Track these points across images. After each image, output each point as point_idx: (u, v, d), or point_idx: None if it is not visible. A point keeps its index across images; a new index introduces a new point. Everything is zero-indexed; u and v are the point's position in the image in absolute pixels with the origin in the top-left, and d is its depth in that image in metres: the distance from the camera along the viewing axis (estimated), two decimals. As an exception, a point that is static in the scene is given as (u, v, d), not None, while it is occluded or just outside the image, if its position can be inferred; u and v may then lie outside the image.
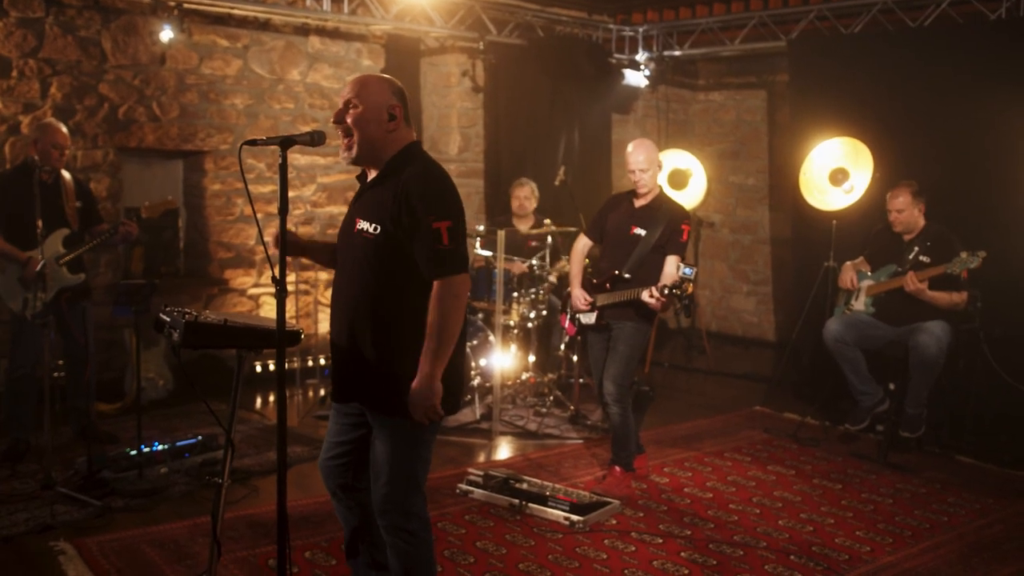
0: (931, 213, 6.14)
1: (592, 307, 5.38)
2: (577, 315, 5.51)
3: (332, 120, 3.19)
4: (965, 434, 6.41)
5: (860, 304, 6.26)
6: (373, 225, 3.11)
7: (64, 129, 5.56)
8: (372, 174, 3.24)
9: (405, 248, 3.07)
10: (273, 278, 2.89)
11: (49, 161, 5.42)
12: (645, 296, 5.03)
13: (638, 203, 5.38)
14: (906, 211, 6.07)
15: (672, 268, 5.19)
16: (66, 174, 5.69)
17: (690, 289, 4.89)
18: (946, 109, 6.88)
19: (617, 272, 5.27)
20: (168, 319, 3.14)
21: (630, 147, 5.34)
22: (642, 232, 5.27)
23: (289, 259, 3.09)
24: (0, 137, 6.43)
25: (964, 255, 5.71)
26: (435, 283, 3.05)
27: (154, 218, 5.79)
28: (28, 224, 5.04)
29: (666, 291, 4.93)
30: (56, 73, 6.62)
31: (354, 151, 3.15)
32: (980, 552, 4.66)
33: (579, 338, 5.80)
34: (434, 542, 3.36)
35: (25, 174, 5.35)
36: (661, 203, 5.34)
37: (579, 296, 5.43)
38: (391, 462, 3.17)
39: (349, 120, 3.13)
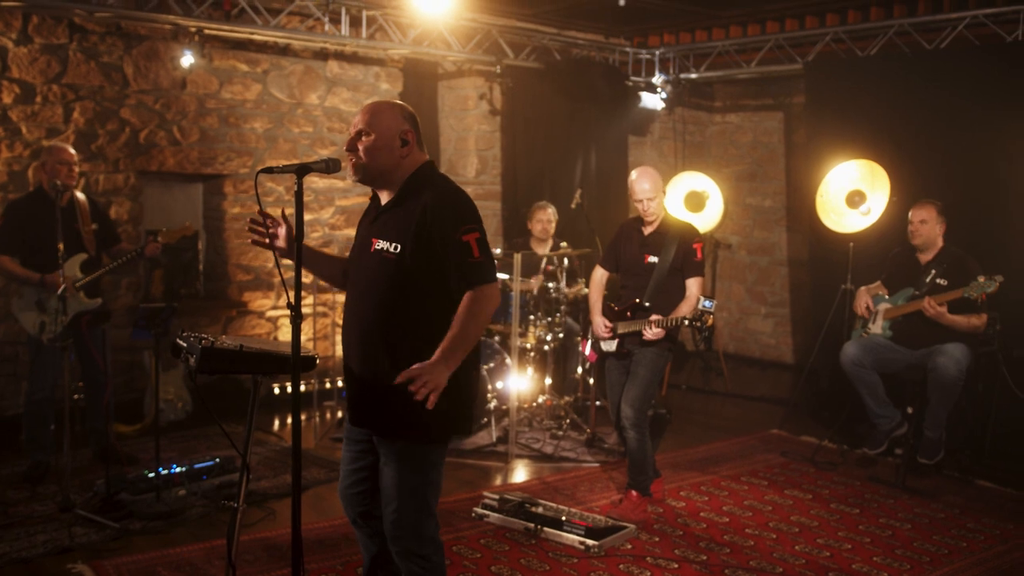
0: (948, 235, 6.12)
1: (613, 334, 5.39)
2: (599, 342, 5.52)
3: (345, 148, 3.23)
4: (984, 458, 6.37)
5: (877, 327, 6.23)
6: (394, 245, 3.13)
7: (70, 148, 5.63)
8: (385, 196, 3.27)
9: (426, 268, 3.11)
10: (289, 304, 2.92)
11: (59, 177, 5.46)
12: (649, 334, 5.11)
13: (647, 231, 5.39)
14: (929, 223, 6.02)
15: (692, 293, 5.22)
16: (80, 195, 5.76)
17: (710, 321, 4.91)
18: (963, 131, 6.87)
19: (637, 300, 5.29)
20: (185, 344, 3.18)
21: (633, 175, 5.35)
22: (655, 259, 5.29)
23: (305, 279, 3.12)
24: (23, 162, 6.52)
25: (982, 279, 5.68)
26: (467, 293, 3.10)
27: (171, 243, 5.85)
28: (45, 249, 5.11)
29: (686, 322, 4.97)
30: (79, 98, 6.71)
31: (360, 174, 3.20)
32: (999, 578, 4.63)
33: (597, 363, 5.82)
34: (448, 566, 3.37)
35: (40, 200, 5.43)
36: (668, 227, 5.36)
37: (599, 324, 5.44)
38: (400, 487, 3.17)
39: (360, 149, 3.16)
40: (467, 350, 3.09)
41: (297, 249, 2.99)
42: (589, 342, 5.72)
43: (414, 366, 2.97)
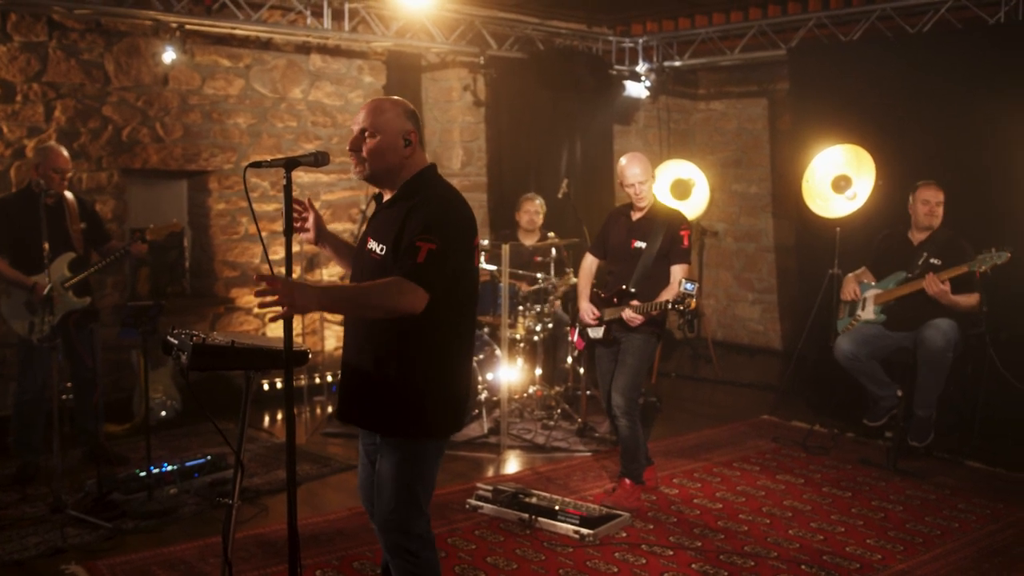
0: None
1: (600, 321, 5.39)
2: (586, 329, 5.51)
3: (348, 148, 3.18)
4: (974, 439, 6.40)
5: (868, 313, 6.22)
6: (380, 246, 3.12)
7: (65, 153, 5.60)
8: (387, 194, 3.26)
9: None
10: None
11: (51, 185, 5.46)
12: (625, 316, 5.09)
13: (635, 216, 5.39)
14: (942, 204, 6.02)
15: (678, 276, 5.20)
16: (69, 195, 5.72)
17: (693, 304, 4.89)
18: (947, 114, 6.90)
19: (624, 287, 5.29)
20: (176, 342, 3.15)
21: (623, 161, 5.35)
22: (642, 245, 5.29)
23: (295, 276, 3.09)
24: (5, 162, 6.47)
25: (992, 251, 5.66)
26: (395, 276, 2.96)
27: (159, 240, 5.82)
28: (33, 248, 5.07)
29: (669, 306, 4.95)
30: (60, 96, 6.65)
31: (366, 173, 3.18)
32: (991, 557, 4.65)
33: (587, 351, 5.82)
34: (443, 558, 3.36)
35: (28, 198, 5.38)
36: (657, 213, 5.36)
37: (587, 310, 5.45)
38: (392, 482, 3.16)
39: (365, 151, 3.13)
40: (348, 308, 3.08)
41: (287, 243, 2.96)
42: (577, 330, 5.72)
43: (279, 276, 2.78)
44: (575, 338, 5.79)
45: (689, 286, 4.91)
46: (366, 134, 3.14)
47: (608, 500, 5.30)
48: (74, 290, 5.59)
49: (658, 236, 5.26)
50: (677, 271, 5.25)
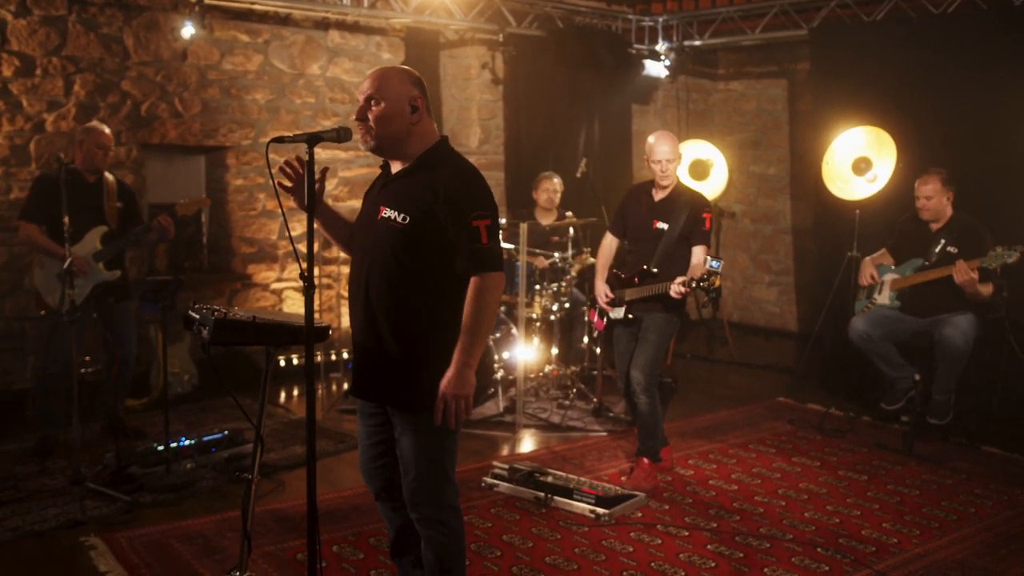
0: (956, 202, 6.09)
1: (617, 302, 5.37)
2: (605, 311, 5.50)
3: (354, 117, 3.18)
4: (991, 424, 6.37)
5: (884, 298, 6.20)
6: (403, 215, 3.10)
7: (107, 130, 5.70)
8: (396, 165, 3.24)
9: (436, 241, 3.08)
10: (301, 274, 2.90)
11: (94, 162, 5.60)
12: (673, 290, 5.02)
13: (657, 196, 5.37)
14: (935, 198, 6.00)
15: (699, 259, 5.18)
16: (109, 176, 5.81)
17: (717, 282, 4.88)
18: (971, 97, 6.82)
19: (644, 267, 5.27)
20: (197, 316, 3.16)
21: (652, 138, 5.33)
22: (664, 226, 5.27)
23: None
24: (25, 135, 6.47)
25: (1000, 249, 5.63)
26: (472, 280, 3.08)
27: (188, 216, 5.88)
28: (72, 223, 5.11)
29: (693, 284, 4.93)
30: (79, 71, 6.65)
31: (374, 143, 3.16)
32: (1008, 543, 4.63)
33: (604, 331, 5.80)
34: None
35: (71, 174, 5.42)
36: (680, 194, 5.33)
37: (601, 293, 5.44)
38: (418, 456, 3.17)
39: (371, 118, 3.12)
40: (484, 342, 3.11)
41: (308, 219, 2.96)
42: (597, 310, 5.70)
43: (441, 390, 3.03)
44: (595, 319, 5.78)
45: (715, 264, 4.90)
46: (372, 101, 3.12)
47: (628, 482, 5.29)
48: (104, 264, 5.64)
49: (680, 217, 5.23)
50: (700, 252, 5.24)
